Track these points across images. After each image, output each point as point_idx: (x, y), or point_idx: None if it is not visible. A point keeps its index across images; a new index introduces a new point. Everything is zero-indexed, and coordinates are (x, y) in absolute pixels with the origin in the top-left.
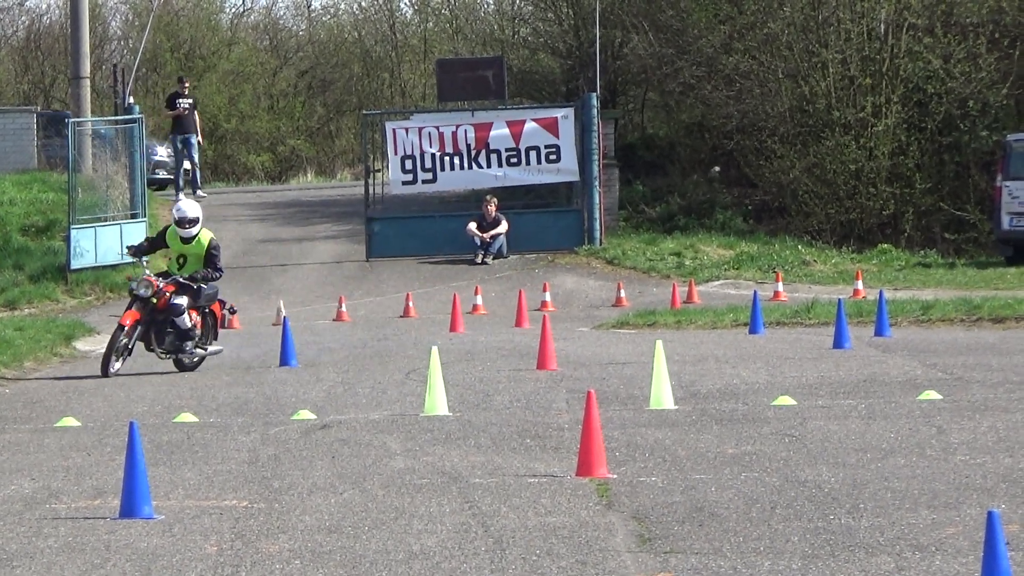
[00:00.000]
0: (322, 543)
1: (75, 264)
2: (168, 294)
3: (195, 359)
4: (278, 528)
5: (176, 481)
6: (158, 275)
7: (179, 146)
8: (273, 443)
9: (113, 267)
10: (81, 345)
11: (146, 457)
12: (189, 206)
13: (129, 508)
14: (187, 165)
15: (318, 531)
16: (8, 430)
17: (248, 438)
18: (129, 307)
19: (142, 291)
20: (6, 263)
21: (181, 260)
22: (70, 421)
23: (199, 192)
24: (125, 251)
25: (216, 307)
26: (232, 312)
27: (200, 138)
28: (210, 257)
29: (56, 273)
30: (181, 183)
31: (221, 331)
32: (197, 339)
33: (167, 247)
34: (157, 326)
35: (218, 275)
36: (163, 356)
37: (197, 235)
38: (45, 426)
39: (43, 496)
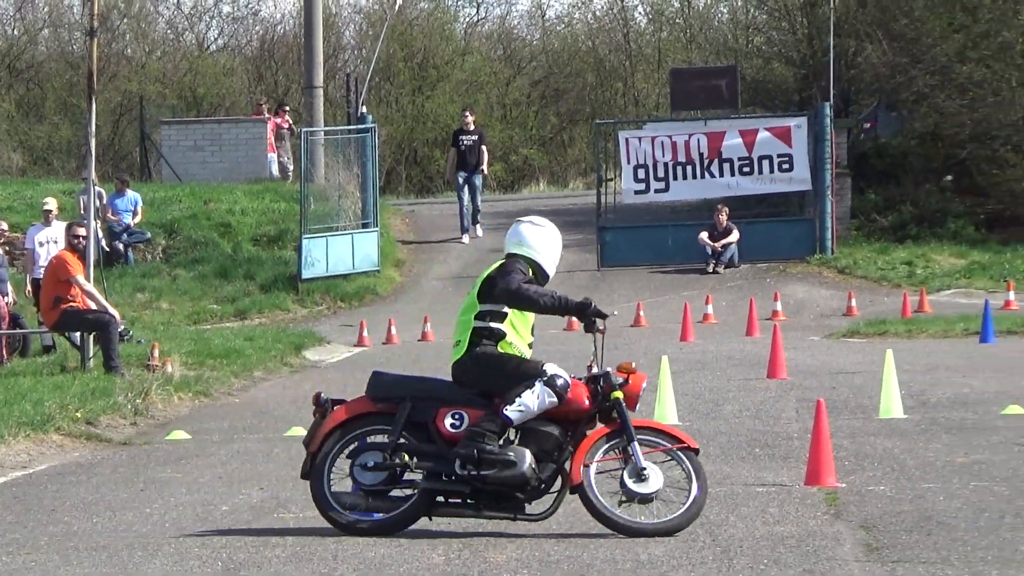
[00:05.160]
0: (550, 552)
1: (306, 274)
2: None
3: None
4: (505, 537)
5: None
6: None
7: (461, 184)
8: None
9: (344, 277)
10: (311, 355)
11: None
12: None
13: None
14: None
15: (546, 540)
16: (237, 439)
17: None
18: None
19: None
20: (237, 272)
21: None
22: (299, 431)
23: (478, 230)
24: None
25: None
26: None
27: (486, 169)
28: None
29: (287, 283)
30: (466, 223)
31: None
32: None
33: None
34: None
35: None
36: None
37: None
38: (274, 436)
39: (271, 505)
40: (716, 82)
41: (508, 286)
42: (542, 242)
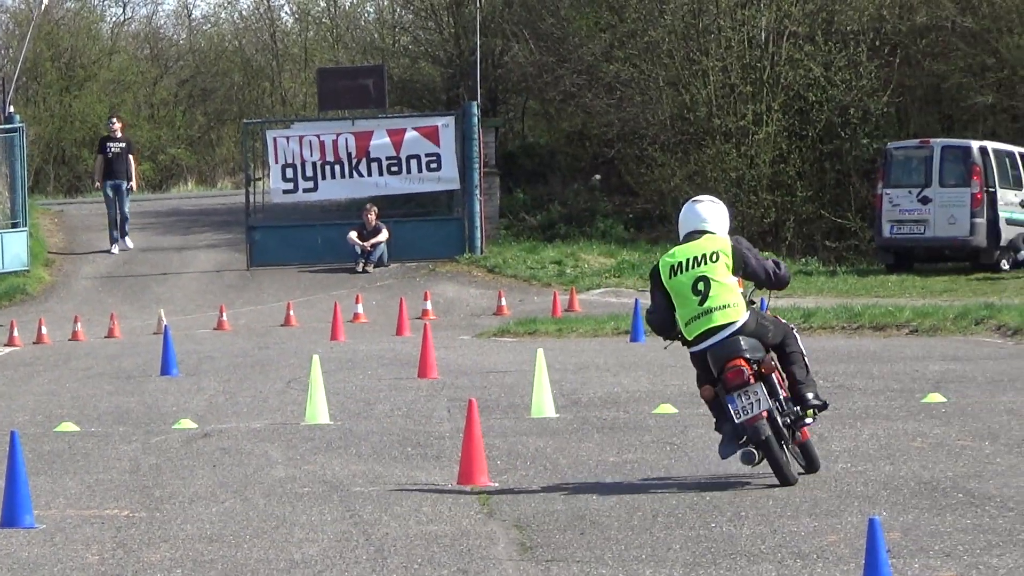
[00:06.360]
0: (203, 552)
1: None
2: None
3: None
4: (159, 537)
5: (57, 490)
6: None
7: (110, 194)
8: (154, 452)
9: None
10: None
11: (27, 466)
12: None
13: (10, 518)
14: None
15: (199, 540)
16: None
17: (129, 447)
18: None
19: None
20: None
21: None
22: None
23: (127, 242)
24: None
25: None
26: None
27: (134, 183)
28: None
29: None
30: (116, 233)
31: (102, 341)
32: None
33: None
34: None
35: None
36: None
37: None
38: None
39: None
40: (363, 81)
41: (777, 267)
42: (723, 218)
